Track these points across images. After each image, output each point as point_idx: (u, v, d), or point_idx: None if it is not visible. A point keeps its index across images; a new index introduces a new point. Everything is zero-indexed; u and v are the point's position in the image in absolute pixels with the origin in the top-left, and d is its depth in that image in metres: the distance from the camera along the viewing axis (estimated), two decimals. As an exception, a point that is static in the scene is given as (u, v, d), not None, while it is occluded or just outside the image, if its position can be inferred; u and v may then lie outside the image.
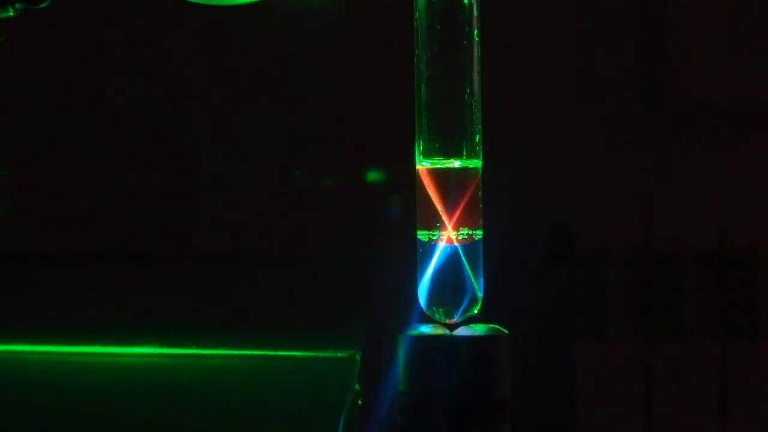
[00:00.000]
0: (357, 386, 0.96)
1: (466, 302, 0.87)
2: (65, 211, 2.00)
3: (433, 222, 0.88)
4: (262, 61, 1.99)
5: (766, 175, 2.03)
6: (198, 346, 1.01)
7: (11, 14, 0.91)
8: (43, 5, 0.91)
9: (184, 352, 1.00)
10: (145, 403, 0.96)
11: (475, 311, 0.88)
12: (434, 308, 0.88)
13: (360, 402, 0.96)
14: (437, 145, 0.88)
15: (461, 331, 0.87)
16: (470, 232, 0.88)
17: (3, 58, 1.79)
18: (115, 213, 2.00)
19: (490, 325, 0.87)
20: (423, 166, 0.88)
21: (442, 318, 0.88)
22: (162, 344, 1.01)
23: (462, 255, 0.88)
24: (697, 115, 2.02)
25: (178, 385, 0.98)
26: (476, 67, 0.88)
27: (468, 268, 0.88)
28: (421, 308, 0.88)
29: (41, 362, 1.00)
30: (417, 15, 0.88)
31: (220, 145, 2.00)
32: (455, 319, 0.88)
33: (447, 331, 0.87)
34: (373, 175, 1.97)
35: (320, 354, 0.99)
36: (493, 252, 0.91)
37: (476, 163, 0.88)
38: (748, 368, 1.93)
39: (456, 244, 0.88)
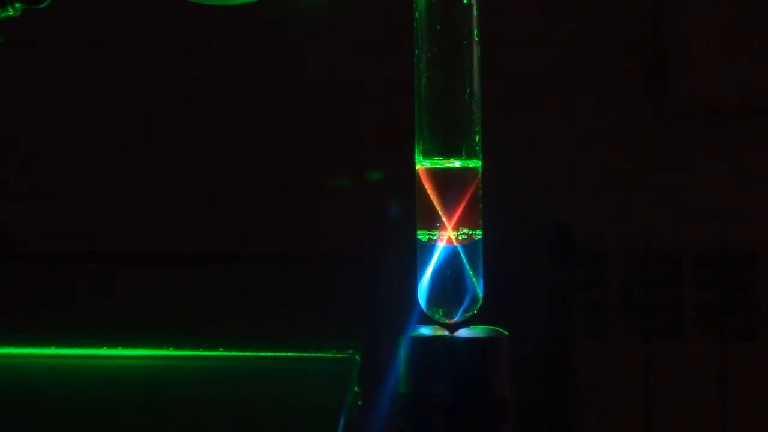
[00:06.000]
0: (356, 387, 0.96)
1: (466, 302, 0.87)
2: (64, 211, 2.00)
3: (433, 222, 0.88)
4: (261, 62, 1.99)
5: (766, 175, 2.03)
6: (198, 347, 1.01)
7: (11, 14, 0.91)
8: (43, 5, 0.91)
9: (183, 353, 1.00)
10: (144, 404, 0.96)
11: (475, 311, 0.88)
12: (434, 308, 0.88)
13: (359, 403, 0.96)
14: (437, 145, 0.88)
15: (461, 332, 0.87)
16: (470, 232, 0.88)
17: (3, 58, 1.79)
18: (116, 214, 2.00)
19: (490, 327, 0.87)
20: (423, 166, 0.88)
21: (442, 318, 0.88)
22: (161, 345, 1.01)
23: (462, 255, 0.87)
24: (697, 116, 2.02)
25: (177, 386, 0.98)
26: (476, 67, 0.88)
27: (468, 268, 0.87)
28: (421, 308, 0.88)
29: (41, 365, 1.00)
30: (417, 15, 0.88)
31: (218, 146, 2.00)
32: (455, 319, 0.88)
33: (447, 333, 0.87)
34: (373, 175, 1.97)
35: (320, 354, 0.99)
36: (493, 252, 0.91)
37: (476, 163, 0.88)
38: (748, 368, 1.93)
39: (456, 244, 0.88)
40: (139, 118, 2.00)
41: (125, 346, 1.01)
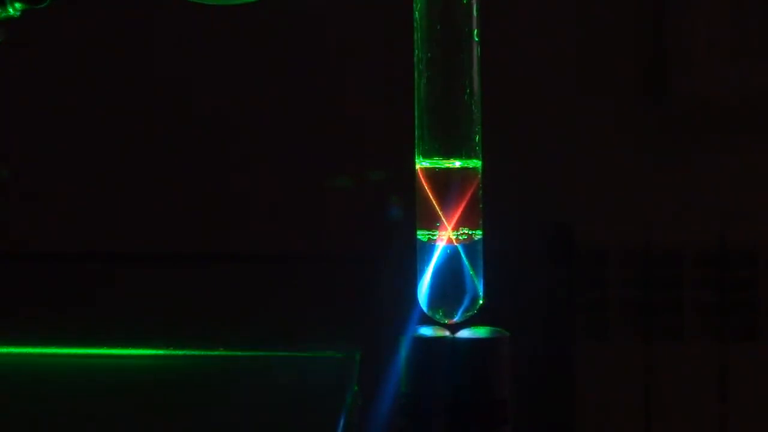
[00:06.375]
0: (356, 387, 0.96)
1: (466, 302, 0.87)
2: (64, 211, 2.00)
3: (433, 222, 0.88)
4: (260, 62, 1.99)
5: (766, 175, 2.03)
6: (198, 347, 1.01)
7: (11, 14, 0.91)
8: (43, 5, 0.91)
9: (184, 353, 1.00)
10: (145, 403, 0.96)
11: (476, 311, 0.88)
12: (435, 308, 0.88)
13: (359, 402, 0.96)
14: (437, 145, 0.88)
15: (462, 332, 0.87)
16: (470, 232, 0.88)
17: (3, 58, 1.79)
18: (116, 214, 2.00)
19: (492, 327, 0.87)
20: (423, 166, 0.88)
21: (443, 318, 0.88)
22: (162, 345, 1.01)
23: (462, 255, 0.87)
24: (697, 115, 2.02)
25: (177, 386, 0.98)
26: (476, 67, 0.88)
27: (468, 268, 0.87)
28: (421, 308, 0.88)
29: (41, 364, 1.00)
30: (417, 15, 0.88)
31: (218, 146, 2.00)
32: (455, 319, 0.88)
33: (448, 333, 0.87)
34: (373, 175, 1.97)
35: (320, 354, 0.99)
36: (493, 252, 0.91)
37: (476, 163, 0.88)
38: (748, 368, 1.93)
39: (456, 244, 0.88)
40: (139, 118, 2.00)
41: (125, 346, 1.01)
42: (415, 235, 0.89)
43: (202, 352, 1.00)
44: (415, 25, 0.88)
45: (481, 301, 0.88)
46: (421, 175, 0.88)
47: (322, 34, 1.97)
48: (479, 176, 0.88)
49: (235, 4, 0.96)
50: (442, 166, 0.88)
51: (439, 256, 0.88)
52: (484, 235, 0.89)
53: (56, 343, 1.01)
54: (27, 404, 0.95)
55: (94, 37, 1.99)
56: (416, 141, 0.88)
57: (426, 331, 0.87)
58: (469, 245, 0.88)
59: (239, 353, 1.00)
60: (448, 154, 0.88)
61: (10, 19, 0.92)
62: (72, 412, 0.94)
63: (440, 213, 0.88)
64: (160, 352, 1.01)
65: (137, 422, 0.93)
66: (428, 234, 0.88)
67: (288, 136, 2.00)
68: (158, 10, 1.95)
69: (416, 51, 0.88)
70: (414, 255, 0.89)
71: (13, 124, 1.99)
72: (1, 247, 1.97)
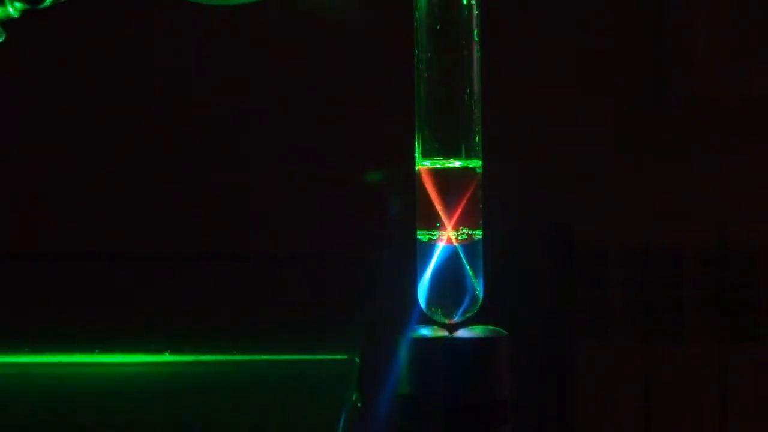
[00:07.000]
0: (356, 389, 0.96)
1: (466, 302, 0.87)
2: (64, 211, 2.00)
3: (433, 222, 0.88)
4: (260, 61, 1.99)
5: (766, 175, 2.03)
6: (197, 350, 1.01)
7: (11, 14, 0.91)
8: (43, 5, 0.91)
9: (183, 357, 1.00)
10: (144, 407, 0.96)
11: (475, 311, 0.88)
12: (434, 308, 0.88)
13: (359, 405, 0.96)
14: (437, 145, 0.88)
15: (461, 332, 0.87)
16: (470, 232, 0.88)
17: (3, 58, 1.79)
18: (116, 214, 2.00)
19: (490, 327, 0.87)
20: (423, 166, 0.88)
21: (442, 318, 0.88)
22: (161, 346, 1.01)
23: (462, 255, 0.87)
24: (697, 116, 2.02)
25: (177, 390, 0.98)
26: (476, 67, 0.88)
27: (468, 268, 0.87)
28: (421, 309, 0.88)
29: (42, 372, 1.00)
30: (417, 15, 0.88)
31: (218, 146, 2.00)
32: (455, 319, 0.88)
33: (447, 333, 0.87)
34: (373, 175, 1.97)
35: (320, 356, 0.99)
36: (493, 252, 0.91)
37: (476, 163, 0.88)
38: (748, 368, 1.93)
39: (456, 244, 0.88)
40: (139, 118, 2.00)
41: (123, 352, 1.01)
42: (415, 235, 0.89)
43: (201, 356, 1.00)
44: (415, 25, 0.88)
45: (480, 301, 0.88)
46: (421, 175, 0.88)
47: (322, 34, 1.97)
48: (479, 176, 0.88)
49: (235, 4, 0.96)
50: (442, 166, 0.88)
51: (439, 256, 0.88)
52: (484, 235, 0.89)
53: (56, 344, 1.01)
54: (26, 409, 0.95)
55: (94, 37, 1.99)
56: (416, 141, 0.88)
57: (425, 331, 0.87)
58: (469, 245, 0.88)
59: (238, 357, 1.00)
60: (448, 154, 0.88)
61: (10, 19, 0.92)
62: (70, 413, 0.94)
63: (440, 213, 0.88)
64: (159, 356, 1.01)
65: (133, 424, 0.93)
66: (428, 234, 0.88)
67: (288, 137, 2.00)
68: (158, 10, 1.95)
69: (416, 51, 0.88)
70: (414, 255, 0.89)
71: (13, 124, 1.99)
72: (1, 247, 1.97)
